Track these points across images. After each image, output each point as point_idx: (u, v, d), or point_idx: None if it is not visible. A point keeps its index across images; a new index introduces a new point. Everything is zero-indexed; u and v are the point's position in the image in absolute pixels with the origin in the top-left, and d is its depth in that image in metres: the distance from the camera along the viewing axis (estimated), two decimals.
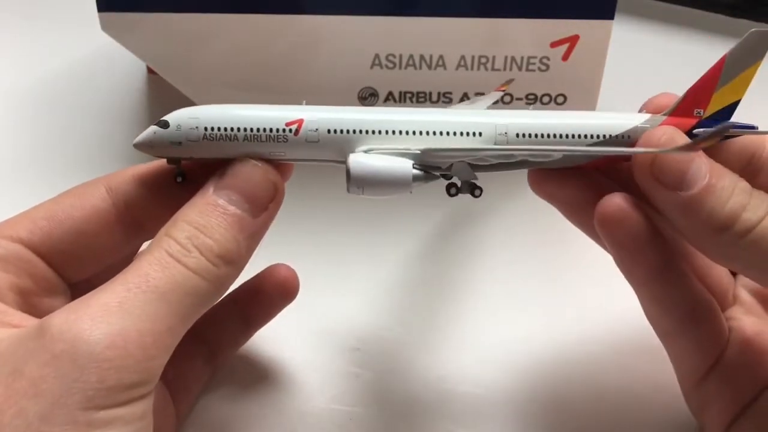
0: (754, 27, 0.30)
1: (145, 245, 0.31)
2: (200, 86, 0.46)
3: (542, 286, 0.41)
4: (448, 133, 0.29)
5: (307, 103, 0.29)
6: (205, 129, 0.28)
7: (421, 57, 0.45)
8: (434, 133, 0.29)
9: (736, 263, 0.29)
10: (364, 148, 0.28)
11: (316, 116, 0.29)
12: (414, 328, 0.40)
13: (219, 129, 0.28)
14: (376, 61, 0.45)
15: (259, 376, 0.37)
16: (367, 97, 0.47)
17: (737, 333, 0.33)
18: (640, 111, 0.32)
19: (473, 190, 0.29)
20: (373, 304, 0.40)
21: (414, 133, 0.29)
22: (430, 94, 0.47)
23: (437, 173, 0.29)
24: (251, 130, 0.28)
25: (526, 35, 0.45)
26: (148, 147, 0.28)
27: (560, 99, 0.47)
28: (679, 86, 0.37)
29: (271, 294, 0.35)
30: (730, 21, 0.60)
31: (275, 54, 0.45)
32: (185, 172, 0.29)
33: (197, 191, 0.29)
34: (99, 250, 0.31)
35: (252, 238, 0.28)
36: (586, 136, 0.30)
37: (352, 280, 0.42)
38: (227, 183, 0.28)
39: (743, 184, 0.28)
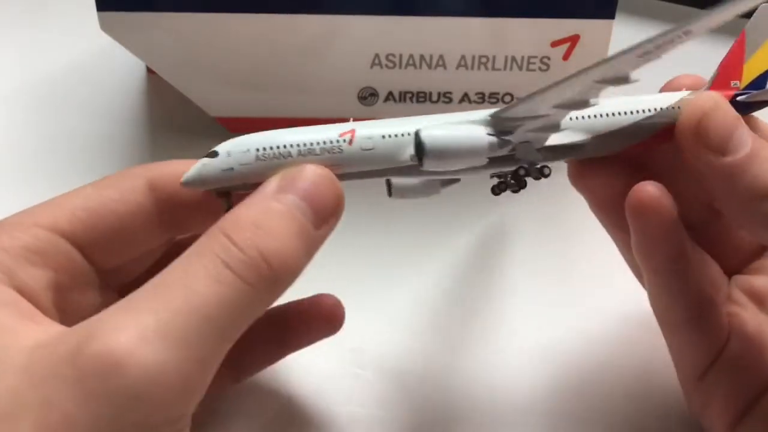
0: None
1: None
2: (200, 86, 0.46)
3: (544, 288, 0.41)
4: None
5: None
6: (257, 150, 0.27)
7: (421, 57, 0.45)
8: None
9: None
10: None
11: (366, 123, 0.28)
12: (414, 328, 0.40)
13: (272, 148, 0.27)
14: (376, 61, 0.45)
15: (258, 377, 0.37)
16: (367, 97, 0.47)
17: (738, 328, 0.33)
18: (661, 92, 0.33)
19: (542, 171, 0.30)
20: (373, 305, 0.40)
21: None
22: (430, 94, 0.47)
23: (509, 147, 0.29)
24: (304, 144, 0.27)
25: (526, 35, 0.45)
26: (199, 183, 0.27)
27: None
28: None
29: (317, 324, 0.34)
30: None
31: (275, 54, 0.45)
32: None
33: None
34: (137, 245, 0.30)
35: (308, 254, 0.26)
36: (639, 111, 0.31)
37: (353, 280, 0.42)
38: (293, 185, 0.26)
39: None
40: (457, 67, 0.46)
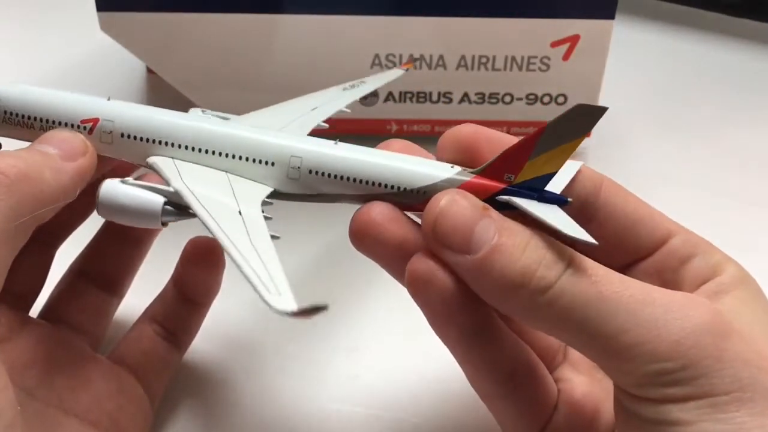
0: (755, 27, 0.29)
1: None
2: (199, 86, 0.46)
3: None
4: (241, 158, 0.28)
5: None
6: (5, 113, 0.28)
7: (421, 57, 0.45)
8: (227, 155, 0.28)
9: (539, 324, 0.26)
10: (157, 159, 0.28)
11: (112, 117, 0.29)
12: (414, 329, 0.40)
13: (17, 115, 0.28)
14: (376, 61, 0.45)
15: (256, 375, 0.37)
16: (367, 97, 0.47)
17: (566, 395, 0.31)
18: (440, 140, 0.30)
19: None
20: (370, 305, 0.40)
21: (207, 151, 0.28)
22: (430, 94, 0.47)
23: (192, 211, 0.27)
24: (47, 121, 0.28)
25: (526, 35, 0.45)
26: None
27: (560, 99, 0.47)
28: (679, 86, 0.38)
29: (197, 264, 0.34)
30: (730, 21, 0.60)
31: (275, 54, 0.45)
32: None
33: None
34: None
35: (56, 172, 0.27)
36: (380, 185, 0.27)
37: (348, 279, 0.42)
38: (39, 139, 0.29)
39: (538, 240, 0.25)
40: (457, 67, 0.46)
